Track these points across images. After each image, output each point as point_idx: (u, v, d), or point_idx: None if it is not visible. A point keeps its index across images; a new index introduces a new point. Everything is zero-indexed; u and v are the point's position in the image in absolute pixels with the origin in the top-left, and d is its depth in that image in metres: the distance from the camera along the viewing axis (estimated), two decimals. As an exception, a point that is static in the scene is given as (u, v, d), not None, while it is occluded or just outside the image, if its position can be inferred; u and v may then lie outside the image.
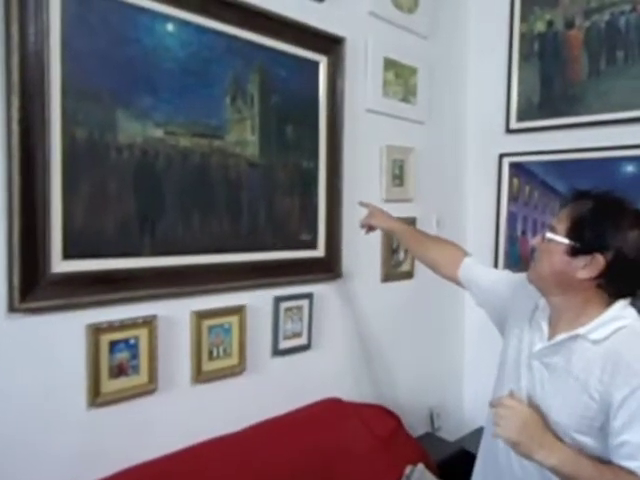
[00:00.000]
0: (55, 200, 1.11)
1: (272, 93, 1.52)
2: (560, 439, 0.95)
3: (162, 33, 1.26)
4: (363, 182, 1.84)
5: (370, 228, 1.62)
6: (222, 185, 1.42)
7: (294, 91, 1.58)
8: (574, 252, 0.96)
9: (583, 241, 0.95)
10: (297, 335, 1.66)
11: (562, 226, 0.99)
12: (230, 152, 1.43)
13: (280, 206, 1.57)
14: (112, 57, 1.18)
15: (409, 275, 2.07)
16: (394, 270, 2.00)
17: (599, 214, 0.95)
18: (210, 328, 1.42)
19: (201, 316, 1.39)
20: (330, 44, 1.67)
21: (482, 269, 1.32)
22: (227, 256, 1.44)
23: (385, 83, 1.88)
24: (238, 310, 1.48)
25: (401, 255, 2.03)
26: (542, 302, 1.08)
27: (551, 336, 1.03)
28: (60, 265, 1.13)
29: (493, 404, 1.02)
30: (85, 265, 1.17)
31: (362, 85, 1.82)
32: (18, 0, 1.02)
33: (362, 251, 1.85)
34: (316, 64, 1.64)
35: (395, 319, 2.01)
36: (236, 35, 1.41)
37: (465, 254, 1.37)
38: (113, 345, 1.23)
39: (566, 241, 0.97)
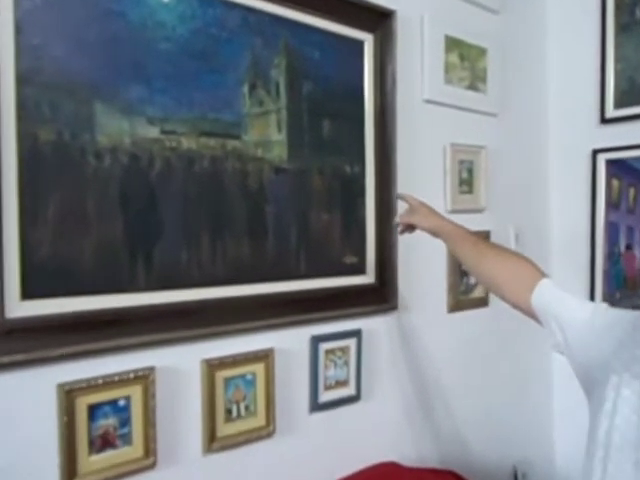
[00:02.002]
0: (8, 223, 0.84)
1: (303, 80, 1.20)
2: None
3: (154, 4, 0.98)
4: (422, 189, 1.47)
5: (408, 227, 1.26)
6: (240, 198, 1.11)
7: (332, 77, 1.26)
8: None
9: None
10: (342, 384, 1.31)
11: None
12: (250, 155, 1.12)
13: (316, 222, 1.24)
14: (87, 35, 0.91)
15: (483, 302, 1.67)
16: (464, 297, 1.61)
17: None
18: (227, 380, 1.11)
19: (214, 366, 1.08)
20: (377, 19, 1.33)
21: (567, 297, 0.90)
22: (248, 288, 1.13)
23: (447, 67, 1.52)
24: (264, 356, 1.15)
25: (472, 279, 1.63)
26: None
27: None
28: (18, 308, 0.85)
29: None
30: (54, 306, 0.89)
31: (418, 70, 1.47)
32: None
33: (423, 275, 1.49)
34: (359, 44, 1.31)
35: (466, 358, 1.62)
36: (253, 6, 1.11)
37: (542, 275, 0.97)
38: (94, 409, 0.94)
39: None
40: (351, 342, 1.32)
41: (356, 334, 1.33)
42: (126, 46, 0.95)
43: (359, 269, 1.33)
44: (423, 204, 1.24)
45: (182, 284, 1.03)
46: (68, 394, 0.90)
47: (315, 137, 1.23)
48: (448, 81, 1.53)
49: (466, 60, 1.57)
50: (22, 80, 0.84)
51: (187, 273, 1.04)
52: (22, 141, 0.85)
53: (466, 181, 1.60)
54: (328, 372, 1.28)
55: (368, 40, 1.32)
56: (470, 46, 1.58)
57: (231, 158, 1.09)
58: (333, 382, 1.29)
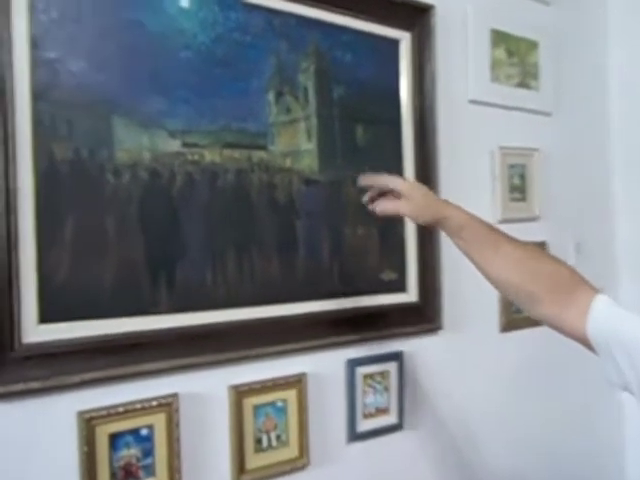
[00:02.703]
0: (25, 245, 0.81)
1: (334, 84, 1.13)
2: None
3: (173, 12, 0.94)
4: (468, 197, 1.33)
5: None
6: (268, 212, 1.04)
7: (365, 80, 1.17)
8: None
9: None
10: (383, 411, 1.21)
11: None
12: (277, 166, 1.05)
13: (351, 236, 1.15)
14: (104, 48, 0.87)
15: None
16: (518, 315, 1.47)
17: None
18: (256, 408, 1.03)
19: (243, 392, 1.01)
20: (414, 16, 1.24)
21: (634, 319, 0.71)
22: (277, 308, 1.05)
23: (494, 64, 1.40)
24: (295, 381, 1.07)
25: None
26: None
27: None
28: (36, 332, 0.82)
29: None
30: (72, 330, 0.85)
31: (461, 68, 1.36)
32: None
33: (472, 291, 1.36)
34: (395, 43, 1.22)
35: (522, 383, 1.47)
36: (278, 8, 1.05)
37: (591, 287, 0.77)
38: (115, 439, 0.89)
39: None
40: (391, 366, 1.21)
41: (397, 357, 1.22)
42: (145, 57, 0.91)
43: (399, 286, 1.23)
44: (414, 186, 0.92)
45: (207, 305, 0.97)
46: (88, 422, 0.86)
47: (348, 144, 1.15)
48: (495, 79, 1.40)
49: (515, 55, 1.45)
50: (38, 96, 0.82)
51: (212, 294, 0.98)
52: (38, 160, 0.82)
53: (518, 187, 1.47)
54: (367, 399, 1.18)
55: (404, 39, 1.23)
56: (519, 40, 1.45)
57: (257, 170, 1.03)
58: (373, 409, 1.19)
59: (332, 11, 1.11)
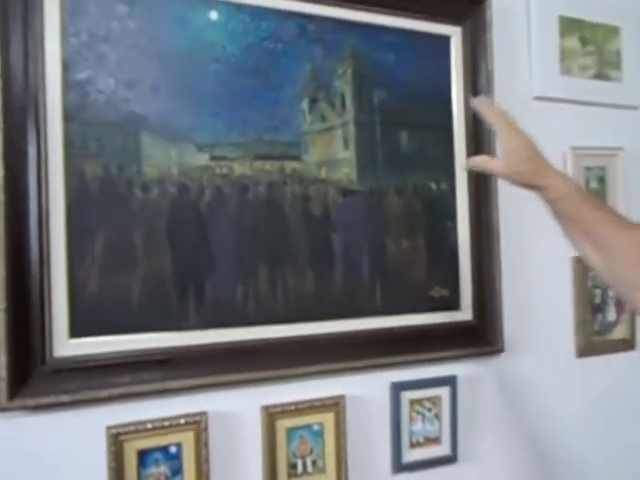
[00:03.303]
0: (57, 261, 0.83)
1: (374, 88, 1.06)
2: None
3: (203, 24, 0.93)
4: (534, 205, 1.21)
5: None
6: (301, 224, 1.00)
7: (410, 82, 1.09)
8: None
9: None
10: (433, 441, 1.10)
11: None
12: (312, 177, 1.01)
13: (394, 250, 1.07)
14: (132, 66, 0.88)
15: (627, 345, 1.32)
16: (599, 338, 1.29)
17: None
18: (290, 431, 0.98)
19: (275, 414, 0.97)
20: (466, 9, 1.14)
21: None
22: (313, 326, 1.00)
23: (564, 54, 1.25)
24: (333, 404, 1.01)
25: (611, 314, 1.30)
26: None
27: None
28: (66, 346, 0.84)
29: None
30: (102, 345, 0.86)
31: (524, 63, 1.23)
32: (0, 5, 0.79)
33: (539, 309, 1.21)
34: (444, 40, 1.13)
35: (603, 415, 1.28)
36: (312, 13, 1.00)
37: None
38: (144, 455, 0.89)
39: None
40: (443, 391, 1.11)
41: (449, 382, 1.11)
42: (172, 72, 0.91)
43: (451, 304, 1.12)
44: (517, 142, 0.79)
45: (237, 322, 0.95)
46: (116, 438, 0.86)
47: (391, 151, 1.07)
48: (566, 71, 1.25)
49: (590, 44, 1.28)
50: (69, 117, 0.84)
51: (243, 310, 0.95)
52: (69, 178, 0.84)
53: (597, 192, 1.29)
54: (414, 426, 1.09)
55: (455, 34, 1.13)
56: (595, 26, 1.29)
57: (290, 182, 0.99)
58: (421, 438, 1.09)
59: (372, 11, 1.05)
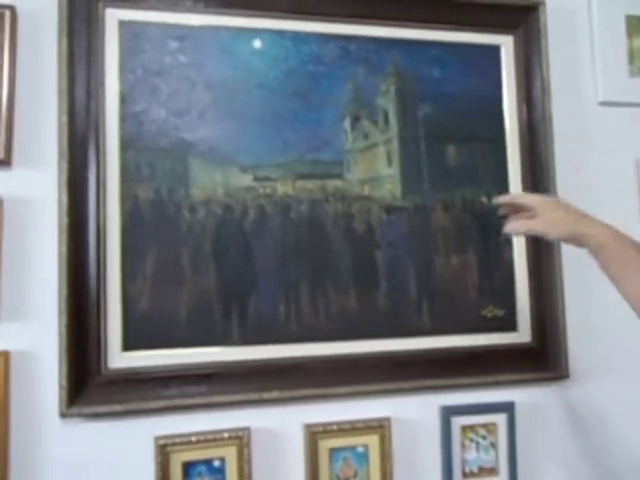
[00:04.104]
0: (112, 278, 0.90)
1: (419, 103, 1.05)
2: None
3: (246, 53, 0.97)
4: (600, 213, 1.12)
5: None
6: (344, 242, 1.00)
7: (457, 95, 1.06)
8: None
9: None
10: (489, 471, 1.04)
11: None
12: (354, 195, 1.01)
13: (443, 267, 1.04)
14: (181, 94, 0.94)
15: None
16: (686, 366, 1.14)
17: None
18: (333, 452, 0.97)
19: (318, 433, 0.96)
20: (517, 16, 1.09)
21: None
22: (357, 344, 0.99)
23: (632, 56, 1.16)
24: (377, 426, 0.99)
25: (700, 339, 1.15)
26: None
27: None
28: (120, 359, 0.90)
29: None
30: (151, 358, 0.91)
31: (587, 67, 1.16)
32: (67, 49, 0.88)
33: (608, 330, 1.11)
34: (494, 50, 1.09)
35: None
36: (355, 34, 1.02)
37: None
38: (189, 467, 0.92)
39: None
40: (499, 418, 1.04)
41: (506, 408, 1.04)
42: (218, 100, 0.96)
43: (507, 324, 1.06)
44: (548, 201, 0.83)
45: (279, 339, 0.96)
46: (163, 449, 0.90)
47: (437, 166, 1.05)
48: (635, 73, 1.15)
49: (665, 43, 1.17)
50: (125, 145, 0.91)
51: (285, 327, 0.96)
52: (124, 202, 0.91)
53: (678, 203, 1.16)
54: (467, 455, 1.03)
55: (506, 43, 1.09)
56: (670, 23, 1.18)
57: (332, 200, 0.99)
58: (475, 468, 1.03)
59: (415, 27, 1.04)
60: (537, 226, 0.79)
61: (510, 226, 0.83)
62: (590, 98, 1.15)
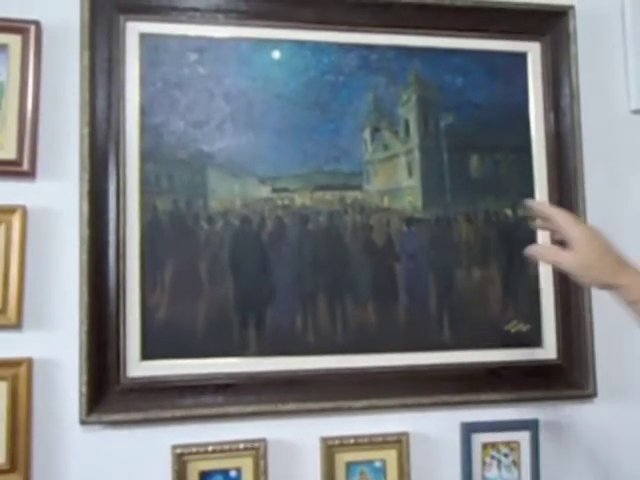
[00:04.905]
0: (131, 288, 0.91)
1: (441, 113, 1.02)
2: None
3: (266, 63, 0.97)
4: (630, 224, 1.08)
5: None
6: (363, 255, 0.98)
7: (481, 104, 1.04)
8: None
9: None
10: (510, 491, 1.01)
11: None
12: (374, 206, 0.99)
13: (465, 280, 1.01)
14: (200, 106, 0.95)
15: None
16: None
17: None
18: (350, 465, 0.96)
19: (334, 446, 0.95)
20: (545, 22, 1.06)
21: None
22: (375, 358, 0.98)
23: (669, 61, 1.10)
24: (395, 440, 0.97)
25: None
26: None
27: None
28: (138, 368, 0.91)
29: None
30: (169, 368, 0.91)
31: (619, 73, 1.11)
32: (89, 62, 0.89)
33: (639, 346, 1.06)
34: (520, 57, 1.06)
35: None
36: (375, 43, 1.00)
37: None
38: (206, 476, 0.92)
39: None
40: (522, 436, 1.01)
41: (530, 426, 1.01)
42: (237, 111, 0.96)
43: (531, 340, 1.03)
44: (586, 234, 0.73)
45: (296, 351, 0.95)
46: (180, 457, 0.91)
47: (459, 177, 1.02)
48: (671, 80, 1.10)
49: None
50: (145, 157, 0.92)
51: (302, 339, 0.96)
52: (144, 213, 0.92)
53: None
54: (488, 473, 1.00)
55: (532, 50, 1.06)
56: None
57: (351, 211, 0.98)
58: (496, 487, 1.00)
59: (437, 35, 1.02)
60: (568, 264, 0.73)
61: (537, 250, 0.78)
62: (622, 106, 1.10)
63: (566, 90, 1.05)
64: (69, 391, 0.89)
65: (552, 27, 1.06)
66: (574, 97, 1.05)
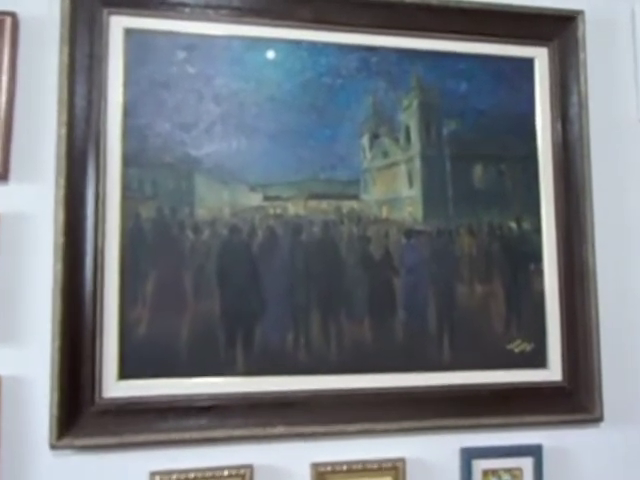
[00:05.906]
0: (109, 301, 0.84)
1: (444, 119, 0.97)
2: None
3: (259, 64, 0.91)
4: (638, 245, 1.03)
5: None
6: (359, 268, 0.93)
7: (485, 111, 0.99)
8: None
9: None
10: (512, 521, 0.95)
11: None
12: (372, 217, 0.94)
13: (466, 296, 0.96)
14: (188, 107, 0.89)
15: None
16: None
17: None
18: (341, 494, 0.90)
19: (326, 473, 0.89)
20: (552, 26, 1.01)
21: None
22: (371, 378, 0.92)
23: (680, 70, 1.06)
24: (390, 467, 0.91)
25: None
26: None
27: None
28: (115, 388, 0.84)
29: None
30: (149, 388, 0.85)
31: (628, 81, 1.07)
32: (69, 57, 0.83)
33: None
34: (527, 63, 1.01)
35: None
36: (376, 45, 0.95)
37: None
38: (186, 506, 0.85)
39: None
40: (525, 462, 0.95)
41: (533, 452, 0.95)
42: (227, 113, 0.90)
43: (536, 360, 0.97)
44: None
45: (287, 370, 0.89)
46: (159, 485, 0.84)
47: (463, 188, 0.97)
48: (683, 90, 1.06)
49: None
50: (127, 161, 0.86)
51: (293, 358, 0.90)
52: (125, 220, 0.86)
53: None
54: (489, 501, 0.94)
55: (540, 56, 1.01)
56: None
57: (347, 222, 0.93)
58: (497, 517, 0.94)
59: (441, 38, 0.97)
60: None
61: None
62: (631, 115, 1.06)
63: (574, 98, 1.00)
64: (39, 412, 0.82)
65: (560, 32, 1.01)
66: (582, 105, 1.00)
